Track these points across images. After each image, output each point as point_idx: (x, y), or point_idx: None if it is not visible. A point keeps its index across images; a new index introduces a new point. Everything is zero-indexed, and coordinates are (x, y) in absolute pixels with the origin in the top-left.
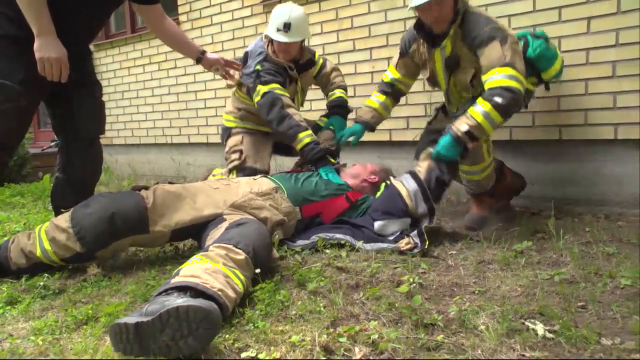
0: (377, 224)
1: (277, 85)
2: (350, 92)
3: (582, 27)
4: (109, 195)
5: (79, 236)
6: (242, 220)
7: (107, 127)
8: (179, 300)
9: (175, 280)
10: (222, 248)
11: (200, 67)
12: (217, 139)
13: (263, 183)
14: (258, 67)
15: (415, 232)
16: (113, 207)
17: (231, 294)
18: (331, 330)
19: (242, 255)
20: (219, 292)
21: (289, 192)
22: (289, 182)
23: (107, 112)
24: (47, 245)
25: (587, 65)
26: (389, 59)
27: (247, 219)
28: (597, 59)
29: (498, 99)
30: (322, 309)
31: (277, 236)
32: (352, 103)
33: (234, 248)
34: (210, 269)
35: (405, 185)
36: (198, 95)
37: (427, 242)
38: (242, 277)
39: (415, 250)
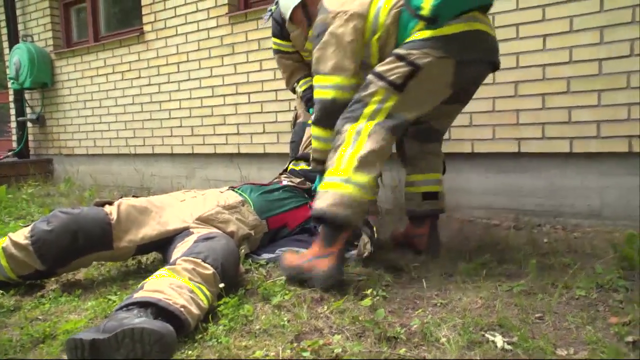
0: None
1: None
2: None
3: (539, 44)
4: (71, 211)
5: (39, 253)
6: (211, 234)
7: (68, 136)
8: (135, 320)
9: (138, 295)
10: (189, 262)
11: (164, 78)
12: (181, 150)
13: (230, 196)
14: None
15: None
16: (75, 225)
17: (195, 310)
18: (295, 344)
19: (209, 270)
20: (182, 309)
21: (255, 205)
22: (255, 195)
23: (68, 121)
24: (3, 262)
25: (544, 81)
26: None
27: (215, 232)
28: (553, 74)
29: (313, 116)
30: (286, 323)
31: (243, 250)
32: None
33: (202, 263)
34: (175, 284)
35: None
36: (162, 105)
37: (374, 228)
38: (207, 292)
39: (369, 247)
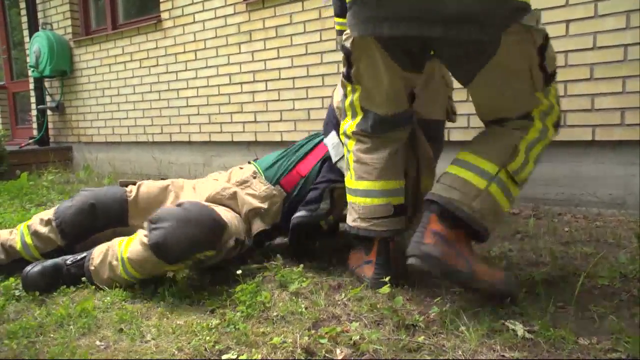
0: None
1: None
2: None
3: (562, 30)
4: (93, 189)
5: (60, 228)
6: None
7: (87, 124)
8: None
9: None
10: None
11: (181, 66)
12: (199, 138)
13: (245, 170)
14: None
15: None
16: (93, 199)
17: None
18: (312, 331)
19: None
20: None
21: (266, 173)
22: (267, 161)
23: (87, 109)
24: (28, 240)
25: (566, 68)
26: None
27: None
28: (575, 61)
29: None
30: (303, 310)
31: (255, 226)
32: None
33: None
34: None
35: None
36: (180, 93)
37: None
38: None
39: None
